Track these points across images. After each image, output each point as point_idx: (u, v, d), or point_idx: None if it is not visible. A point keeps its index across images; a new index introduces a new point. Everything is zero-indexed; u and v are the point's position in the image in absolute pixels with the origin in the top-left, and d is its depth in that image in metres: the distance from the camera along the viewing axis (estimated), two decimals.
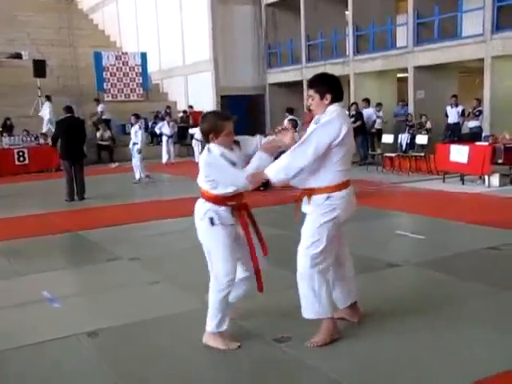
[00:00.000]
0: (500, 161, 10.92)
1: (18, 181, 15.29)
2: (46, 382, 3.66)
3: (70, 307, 5.04)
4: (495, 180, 10.84)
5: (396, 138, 14.71)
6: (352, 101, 17.73)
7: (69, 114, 11.43)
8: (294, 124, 12.11)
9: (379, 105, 17.07)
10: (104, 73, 23.00)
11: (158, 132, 19.02)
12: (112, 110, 21.60)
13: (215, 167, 3.77)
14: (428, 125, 15.47)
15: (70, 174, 11.24)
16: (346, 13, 19.77)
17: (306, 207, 3.93)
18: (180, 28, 23.81)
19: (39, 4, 32.35)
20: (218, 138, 3.79)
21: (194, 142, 18.35)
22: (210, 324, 3.93)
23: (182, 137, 20.33)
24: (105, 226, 8.54)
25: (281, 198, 9.70)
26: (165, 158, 18.24)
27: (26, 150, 17.37)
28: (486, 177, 10.93)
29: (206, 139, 3.87)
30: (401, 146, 14.58)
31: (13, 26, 27.53)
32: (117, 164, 18.28)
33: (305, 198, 3.94)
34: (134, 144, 13.60)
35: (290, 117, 13.41)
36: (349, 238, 7.00)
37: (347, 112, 5.10)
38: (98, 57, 23.03)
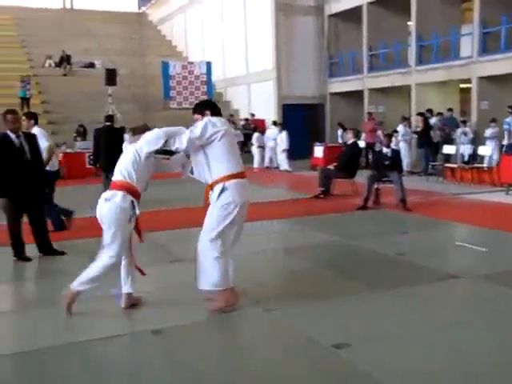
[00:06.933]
0: None
1: (86, 183, 14.32)
2: (111, 374, 3.73)
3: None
4: None
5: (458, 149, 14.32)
6: (413, 111, 17.42)
7: (108, 123, 11.01)
8: (356, 133, 12.37)
9: (440, 114, 16.58)
10: (170, 81, 23.27)
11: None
12: (178, 117, 21.88)
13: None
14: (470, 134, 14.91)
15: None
16: (409, 23, 19.40)
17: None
18: (244, 38, 23.96)
19: (111, 16, 33.32)
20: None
21: (253, 148, 18.34)
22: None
23: (243, 144, 20.38)
24: (167, 228, 8.51)
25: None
26: None
27: None
28: None
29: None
30: (462, 156, 14.13)
31: (86, 37, 28.40)
32: None
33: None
34: None
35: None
36: (408, 247, 6.86)
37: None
38: (165, 66, 23.36)
